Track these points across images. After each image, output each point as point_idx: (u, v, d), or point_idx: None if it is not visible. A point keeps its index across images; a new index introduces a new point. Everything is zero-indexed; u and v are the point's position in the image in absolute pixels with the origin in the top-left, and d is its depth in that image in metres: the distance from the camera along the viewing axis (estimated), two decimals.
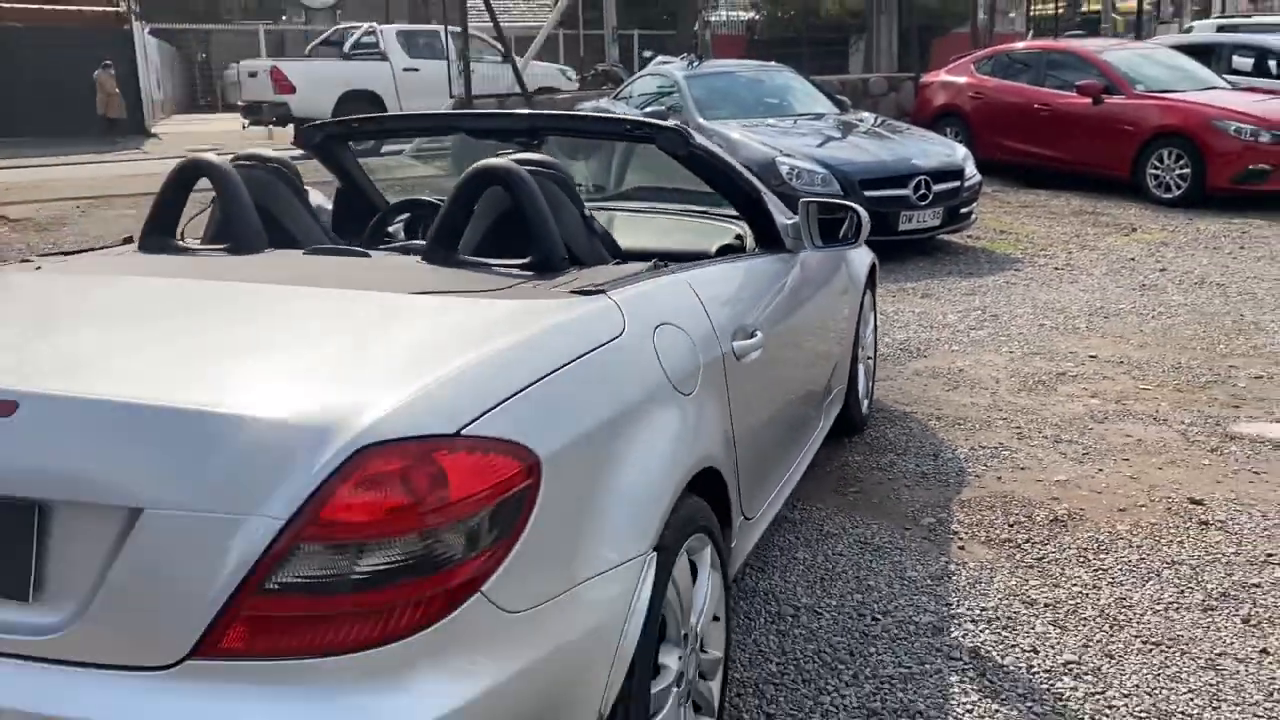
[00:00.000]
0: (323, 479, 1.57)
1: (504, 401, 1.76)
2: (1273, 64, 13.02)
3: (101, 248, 3.09)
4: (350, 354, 1.91)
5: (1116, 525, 3.66)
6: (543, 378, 1.87)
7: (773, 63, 10.67)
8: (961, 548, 3.53)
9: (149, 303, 2.25)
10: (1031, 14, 27.35)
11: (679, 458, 2.17)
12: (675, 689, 2.15)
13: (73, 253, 2.96)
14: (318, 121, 3.72)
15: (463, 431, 1.67)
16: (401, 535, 1.58)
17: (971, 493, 3.97)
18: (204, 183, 2.86)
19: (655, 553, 1.99)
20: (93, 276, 2.55)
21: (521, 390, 1.81)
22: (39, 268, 2.63)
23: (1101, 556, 3.44)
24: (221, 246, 2.78)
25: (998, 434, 4.58)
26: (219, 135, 20.28)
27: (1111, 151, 11.04)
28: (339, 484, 1.57)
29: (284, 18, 35.73)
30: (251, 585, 1.55)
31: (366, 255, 2.82)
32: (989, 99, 12.38)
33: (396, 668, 1.59)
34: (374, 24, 19.42)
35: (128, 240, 3.10)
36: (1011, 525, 3.68)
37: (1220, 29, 15.79)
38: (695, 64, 10.79)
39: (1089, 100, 11.20)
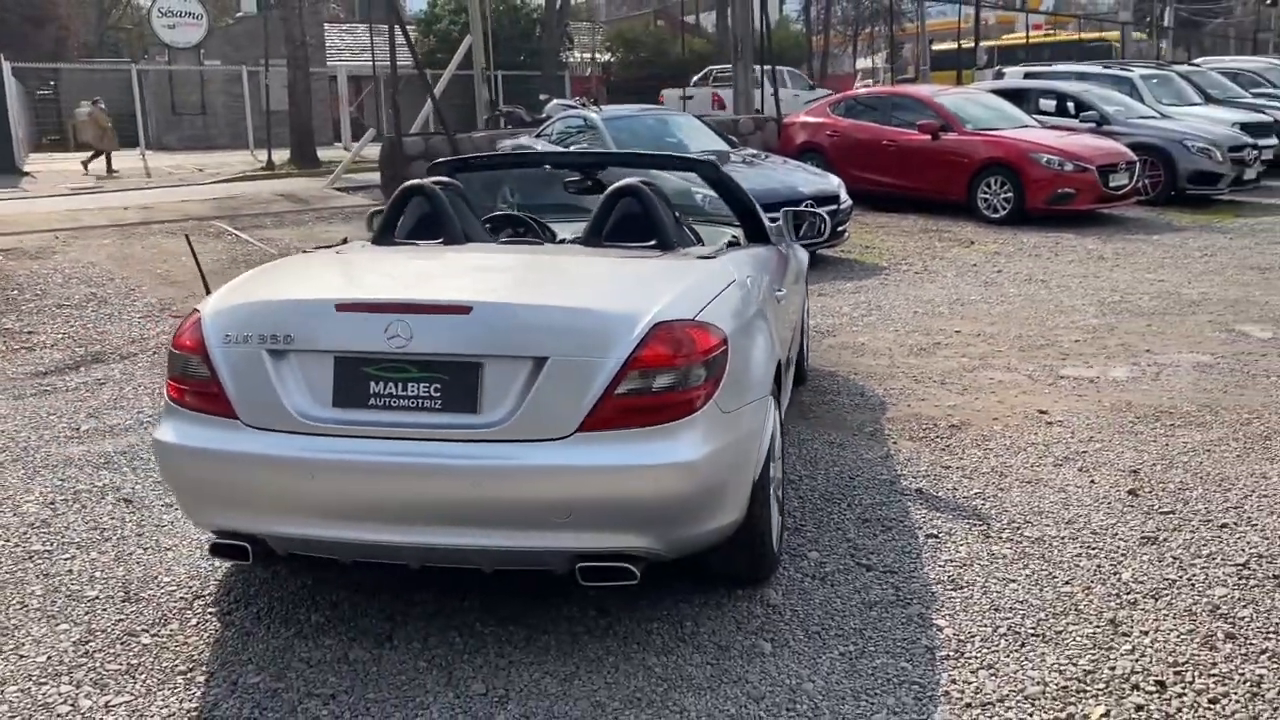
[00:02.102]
0: (639, 340, 3.08)
1: (706, 305, 3.31)
2: (1070, 105, 15.56)
3: (329, 246, 4.46)
4: (622, 281, 3.45)
5: (993, 426, 5.42)
6: (717, 295, 3.42)
7: (667, 108, 12.34)
8: (895, 442, 5.21)
9: (470, 261, 3.75)
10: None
11: (772, 347, 3.76)
12: (774, 490, 3.71)
13: (320, 248, 4.33)
14: (446, 159, 5.16)
15: (696, 317, 3.21)
16: (675, 368, 3.10)
17: (893, 414, 5.67)
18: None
19: (770, 395, 3.57)
20: (400, 253, 3.98)
21: (711, 300, 3.36)
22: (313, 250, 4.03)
23: (987, 443, 5.17)
24: (436, 241, 4.20)
25: (900, 381, 6.32)
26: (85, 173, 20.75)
27: (949, 179, 13.20)
28: (646, 342, 3.08)
29: (145, 55, 35.70)
30: (609, 393, 3.05)
31: (541, 243, 4.33)
32: (844, 136, 14.44)
33: (677, 433, 3.09)
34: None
35: (344, 241, 4.49)
36: (924, 430, 5.39)
37: (1026, 75, 18.44)
38: (590, 105, 12.41)
39: (929, 136, 13.35)
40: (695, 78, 28.68)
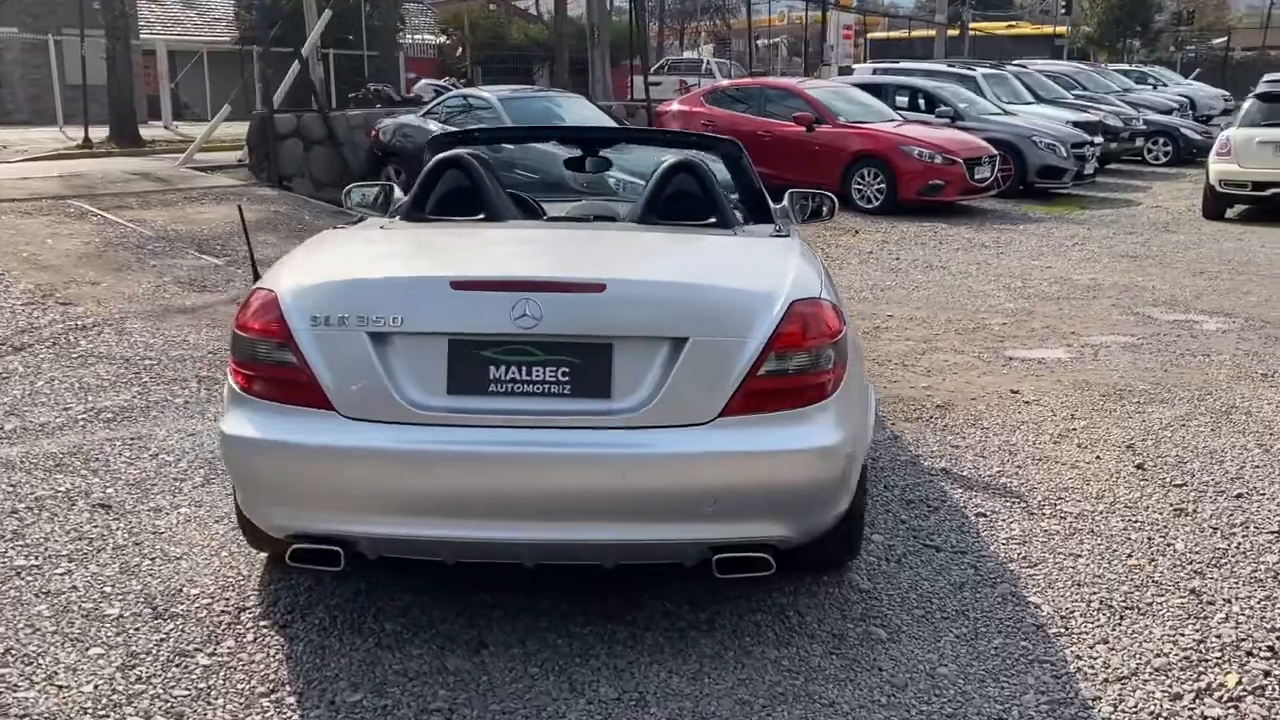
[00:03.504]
0: (779, 319, 2.95)
1: (822, 283, 3.20)
2: (921, 101, 16.19)
3: (352, 224, 4.11)
4: (735, 259, 3.30)
5: (977, 406, 5.53)
6: (820, 274, 3.32)
7: (562, 91, 12.12)
8: (893, 424, 5.24)
9: (546, 238, 3.50)
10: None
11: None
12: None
13: (353, 223, 3.97)
14: (448, 132, 4.85)
15: (821, 297, 3.10)
16: (810, 349, 2.99)
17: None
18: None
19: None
20: (459, 228, 3.68)
21: (820, 280, 3.25)
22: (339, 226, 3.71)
23: (980, 422, 5.27)
24: (476, 217, 3.92)
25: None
26: None
27: (824, 170, 13.45)
28: (784, 322, 2.95)
29: None
30: (751, 376, 2.90)
31: (590, 221, 4.10)
32: (718, 126, 14.49)
33: (816, 417, 2.98)
34: None
35: (360, 219, 4.14)
36: (915, 411, 5.45)
37: (875, 72, 19.08)
38: (459, 86, 12.04)
39: (804, 128, 13.60)
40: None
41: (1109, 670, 3.08)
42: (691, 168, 3.91)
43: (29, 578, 3.58)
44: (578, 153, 4.91)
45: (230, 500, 4.19)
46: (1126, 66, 31.88)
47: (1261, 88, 14.78)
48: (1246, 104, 13.72)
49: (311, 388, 2.92)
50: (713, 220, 3.87)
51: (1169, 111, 23.18)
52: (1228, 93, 32.84)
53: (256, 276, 3.29)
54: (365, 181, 5.35)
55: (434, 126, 11.04)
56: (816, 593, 3.52)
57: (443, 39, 32.24)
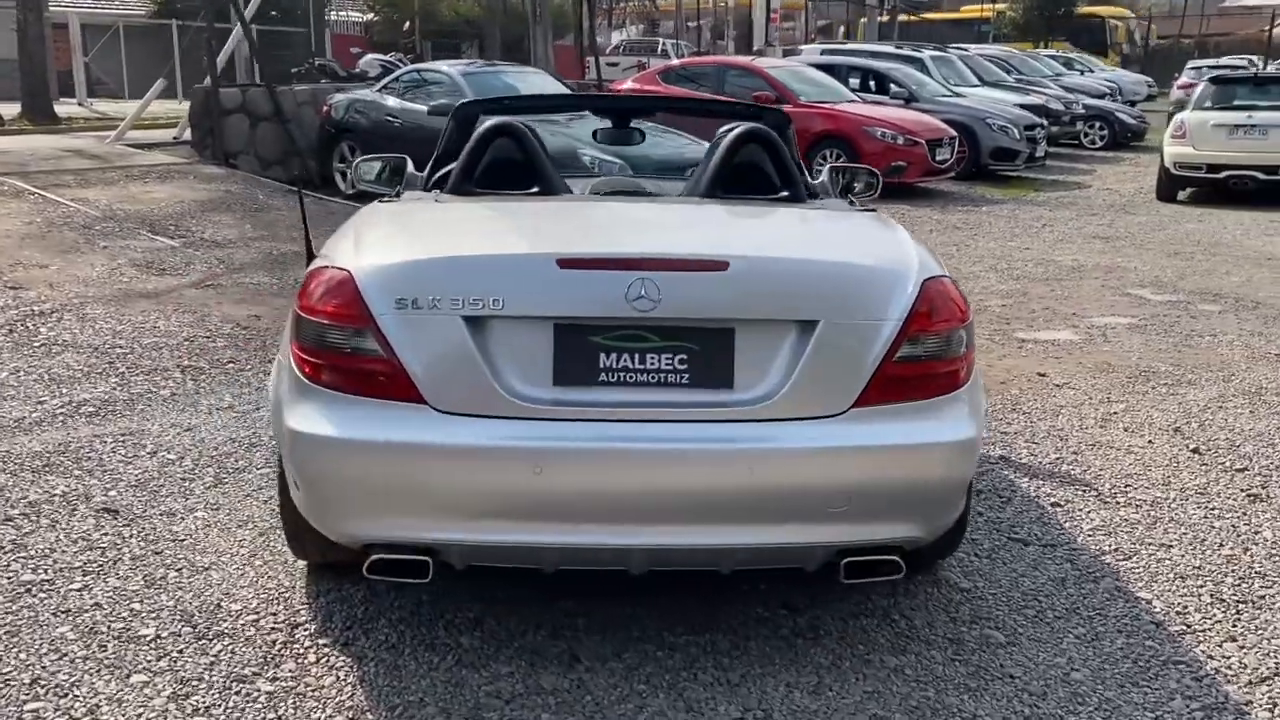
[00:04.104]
0: (913, 299, 2.69)
1: (939, 261, 2.96)
2: (872, 83, 16.11)
3: (388, 196, 3.75)
4: (850, 235, 3.03)
5: (1011, 390, 5.36)
6: (930, 251, 3.08)
7: (527, 66, 11.72)
8: None
9: (627, 213, 3.19)
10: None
11: None
12: None
13: (388, 199, 3.61)
14: (475, 100, 4.49)
15: (945, 275, 2.85)
16: (943, 332, 2.74)
17: None
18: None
19: None
20: (520, 202, 3.36)
21: (934, 257, 3.01)
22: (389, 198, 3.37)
23: (1020, 407, 5.10)
24: (528, 190, 3.59)
25: None
26: None
27: None
28: (919, 302, 2.70)
29: None
30: (886, 362, 2.64)
31: (648, 193, 3.80)
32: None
33: (950, 408, 2.74)
34: None
35: (397, 194, 3.79)
36: None
37: (823, 53, 18.96)
38: (404, 61, 11.60)
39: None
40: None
41: (1249, 671, 2.91)
42: (762, 137, 3.63)
43: (41, 594, 3.18)
44: (604, 124, 4.60)
45: (250, 502, 3.83)
46: (1053, 52, 32.36)
47: (1211, 74, 14.98)
48: (1200, 88, 13.86)
49: (398, 378, 2.59)
50: (785, 194, 3.60)
51: (1102, 96, 23.56)
52: (1150, 79, 33.61)
53: (311, 256, 2.93)
54: (373, 155, 4.96)
55: (392, 102, 10.59)
56: (915, 593, 3.29)
57: (370, 15, 31.38)
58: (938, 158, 13.20)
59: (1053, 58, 29.31)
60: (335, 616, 3.09)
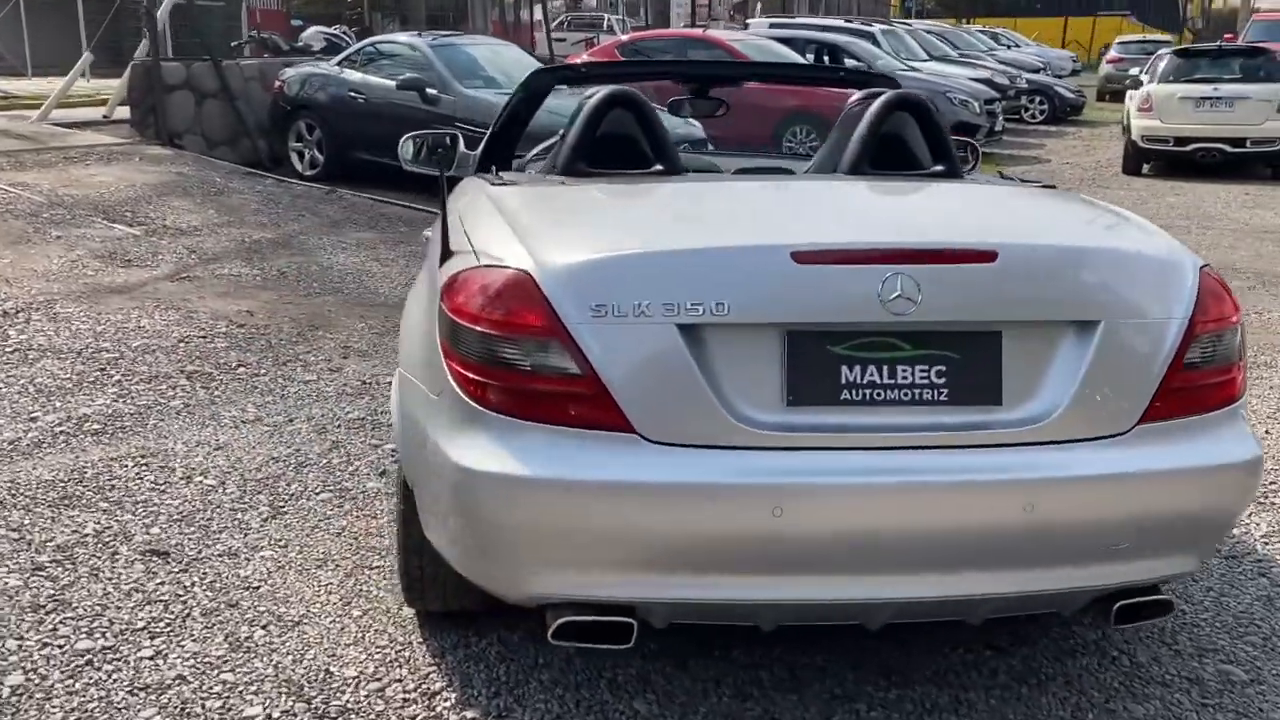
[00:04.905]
0: (1194, 293, 2.29)
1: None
2: (826, 57, 15.79)
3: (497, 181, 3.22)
4: (1079, 217, 2.63)
5: None
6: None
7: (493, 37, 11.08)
8: None
9: (851, 196, 2.78)
10: None
11: None
12: None
13: (494, 180, 3.08)
14: (550, 68, 3.97)
15: (1207, 263, 2.45)
16: (1223, 331, 2.33)
17: None
18: None
19: None
20: (679, 184, 2.88)
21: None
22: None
23: None
24: (650, 169, 3.10)
25: None
26: None
27: (753, 127, 12.84)
28: (1200, 296, 2.29)
29: None
30: (1173, 368, 2.24)
31: (789, 171, 3.35)
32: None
33: (1231, 423, 2.33)
34: None
35: (497, 174, 3.26)
36: None
37: (771, 25, 18.58)
38: (349, 33, 10.91)
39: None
40: None
41: None
42: (912, 103, 3.21)
43: (107, 666, 2.62)
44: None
45: (321, 535, 3.30)
46: (980, 27, 32.54)
47: (1172, 48, 14.98)
48: (1164, 61, 13.81)
49: (599, 402, 2.10)
50: (940, 168, 3.19)
51: (1037, 71, 23.70)
52: (1074, 54, 34.06)
53: (448, 252, 2.41)
54: (421, 131, 4.40)
55: (355, 77, 9.89)
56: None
57: None
58: None
59: (982, 32, 29.48)
60: (475, 680, 2.59)
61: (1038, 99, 20.86)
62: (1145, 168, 13.40)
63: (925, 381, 2.16)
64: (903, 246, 2.17)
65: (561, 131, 3.42)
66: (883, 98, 3.20)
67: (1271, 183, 12.46)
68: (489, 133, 4.10)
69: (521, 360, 2.15)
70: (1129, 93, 14.19)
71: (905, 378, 2.15)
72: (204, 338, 5.32)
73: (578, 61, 4.40)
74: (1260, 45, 15.11)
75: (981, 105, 14.86)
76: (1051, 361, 2.20)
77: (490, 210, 2.60)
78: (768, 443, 2.11)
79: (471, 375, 2.20)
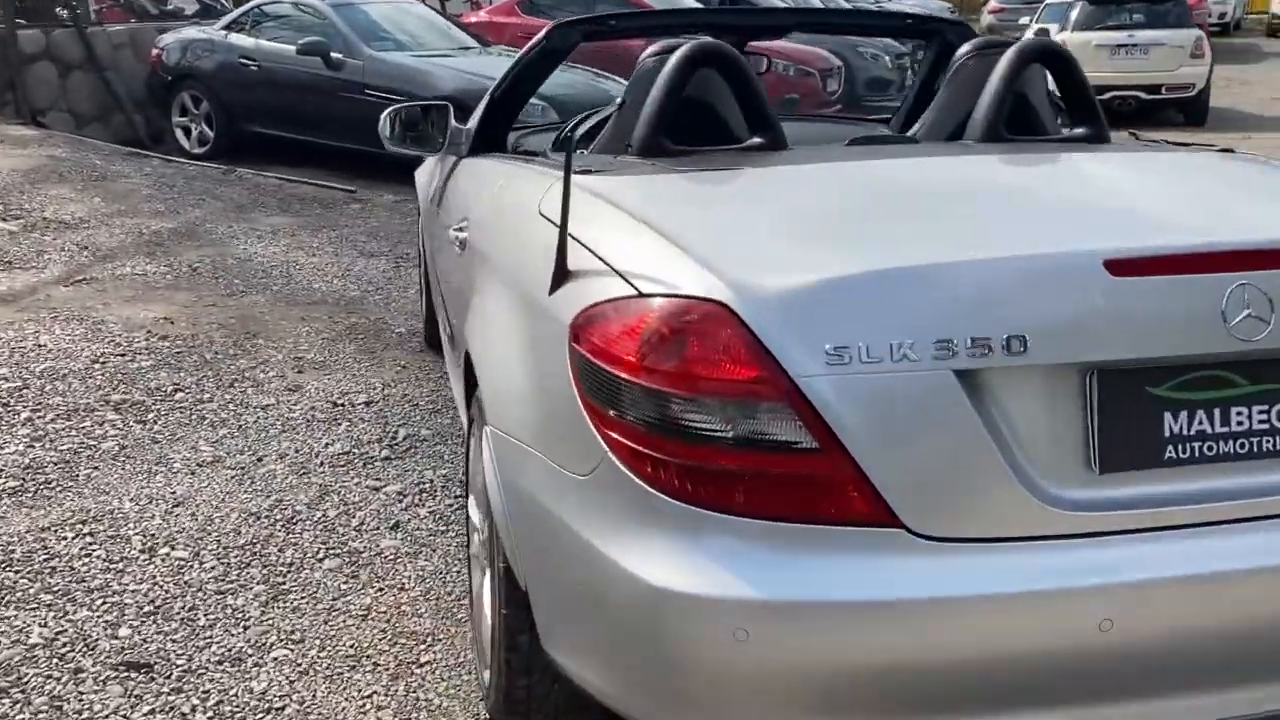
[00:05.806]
0: None
1: None
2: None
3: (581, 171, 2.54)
4: None
5: None
6: None
7: None
8: None
9: (1066, 177, 2.28)
10: None
11: None
12: None
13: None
14: (573, 19, 3.30)
15: None
16: None
17: None
18: None
19: None
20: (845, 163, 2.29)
21: None
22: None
23: None
24: (743, 144, 2.48)
25: None
26: None
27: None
28: None
29: None
30: None
31: (914, 141, 2.77)
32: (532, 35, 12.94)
33: None
34: None
35: (542, 154, 2.60)
36: None
37: None
38: None
39: (644, 39, 12.29)
40: None
41: None
42: (1050, 53, 2.68)
43: None
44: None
45: (344, 620, 2.61)
46: None
47: None
48: (1076, 9, 13.67)
49: (848, 486, 1.49)
50: (1083, 131, 2.67)
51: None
52: (950, 4, 34.29)
53: (563, 270, 1.75)
54: (402, 104, 3.66)
55: (245, 42, 8.88)
56: None
57: None
58: (828, 89, 12.48)
59: None
60: None
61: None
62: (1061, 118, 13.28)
63: (1266, 426, 1.60)
64: (1255, 247, 1.60)
65: (620, 99, 2.78)
66: (1015, 47, 2.65)
67: (1185, 128, 12.45)
68: (485, 101, 3.45)
69: (722, 431, 1.51)
70: None
71: (1241, 423, 1.60)
72: (122, 355, 4.47)
73: (604, 14, 3.72)
74: None
75: (893, 60, 14.51)
76: None
77: (613, 212, 1.93)
78: (1080, 527, 1.53)
79: (648, 451, 1.55)
